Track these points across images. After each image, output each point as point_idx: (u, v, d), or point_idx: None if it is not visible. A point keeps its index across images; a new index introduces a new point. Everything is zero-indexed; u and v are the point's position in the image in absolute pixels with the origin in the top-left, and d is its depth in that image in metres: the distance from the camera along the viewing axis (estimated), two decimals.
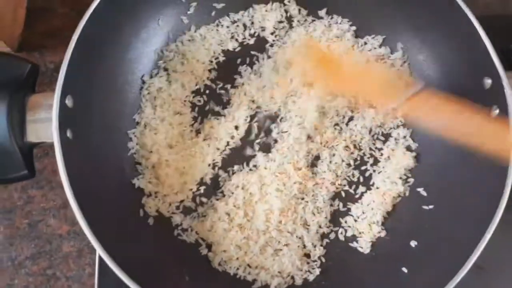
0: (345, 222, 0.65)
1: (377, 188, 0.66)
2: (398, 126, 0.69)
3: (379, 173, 0.67)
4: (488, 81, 0.60)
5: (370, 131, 0.68)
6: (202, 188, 0.66)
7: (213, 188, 0.66)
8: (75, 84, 0.56)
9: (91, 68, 0.60)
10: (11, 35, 0.73)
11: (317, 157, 0.67)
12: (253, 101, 0.69)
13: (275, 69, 0.68)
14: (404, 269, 0.60)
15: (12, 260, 0.69)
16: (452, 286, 0.51)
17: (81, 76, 0.57)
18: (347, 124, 0.68)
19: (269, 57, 0.70)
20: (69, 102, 0.55)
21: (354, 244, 0.64)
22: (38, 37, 0.77)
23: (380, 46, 0.71)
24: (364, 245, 0.64)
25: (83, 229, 0.52)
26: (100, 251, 0.51)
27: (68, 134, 0.55)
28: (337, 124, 0.68)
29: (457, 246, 0.55)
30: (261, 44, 0.72)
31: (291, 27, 0.72)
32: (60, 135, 0.53)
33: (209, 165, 0.66)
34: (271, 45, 0.71)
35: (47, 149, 0.72)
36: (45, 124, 0.54)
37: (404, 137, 0.68)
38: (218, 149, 0.66)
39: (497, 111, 0.59)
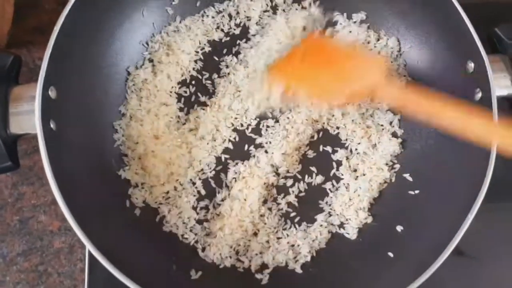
0: (333, 209, 0.65)
1: (364, 174, 0.66)
2: (386, 112, 0.69)
3: (364, 160, 0.67)
4: (471, 65, 0.61)
5: (354, 118, 0.68)
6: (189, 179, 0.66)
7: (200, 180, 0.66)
8: (58, 75, 0.56)
9: (74, 59, 0.59)
10: (0, 32, 0.73)
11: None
12: (239, 91, 0.68)
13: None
14: (390, 254, 0.60)
15: (4, 256, 0.69)
16: (434, 269, 0.51)
17: (64, 67, 0.57)
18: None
19: (251, 47, 0.70)
20: (52, 93, 0.55)
21: (341, 231, 0.64)
22: (26, 34, 0.77)
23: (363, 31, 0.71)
24: (351, 232, 0.64)
25: (68, 220, 0.52)
26: (86, 244, 0.51)
27: (52, 125, 0.55)
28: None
29: (440, 230, 0.55)
30: (246, 33, 0.72)
31: (275, 15, 0.72)
32: (43, 126, 0.53)
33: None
34: (254, 35, 0.71)
35: (37, 146, 0.71)
36: (28, 116, 0.54)
37: (391, 123, 0.68)
38: (203, 139, 0.66)
39: (480, 94, 0.59)
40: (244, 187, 0.64)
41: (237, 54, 0.71)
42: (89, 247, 0.51)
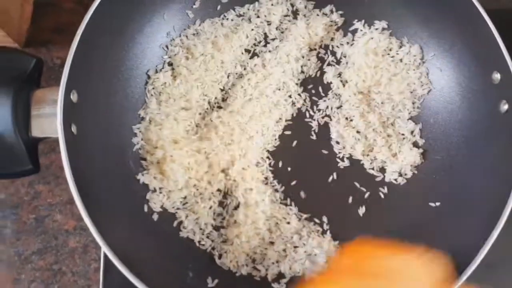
0: None
1: None
2: (407, 120, 0.68)
3: (385, 168, 0.66)
4: (497, 76, 0.60)
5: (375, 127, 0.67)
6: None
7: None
8: (80, 79, 0.56)
9: (95, 63, 0.59)
10: (18, 30, 0.73)
11: None
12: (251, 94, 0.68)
13: None
14: None
15: (19, 254, 0.69)
16: None
17: (85, 71, 0.57)
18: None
19: (270, 51, 0.70)
20: (73, 97, 0.55)
21: None
22: (45, 33, 0.77)
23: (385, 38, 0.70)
24: None
25: (87, 223, 0.52)
26: (103, 247, 0.51)
27: (73, 129, 0.55)
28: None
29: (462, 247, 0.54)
30: (266, 37, 0.71)
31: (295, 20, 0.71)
32: (65, 130, 0.53)
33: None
34: (273, 39, 0.71)
35: (54, 145, 0.72)
36: (50, 119, 0.54)
37: (412, 132, 0.68)
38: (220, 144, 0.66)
39: (506, 106, 0.58)
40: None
41: (254, 56, 0.70)
42: (104, 248, 0.51)
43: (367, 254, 0.52)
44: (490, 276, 0.60)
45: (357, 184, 0.66)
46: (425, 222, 0.62)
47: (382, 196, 0.65)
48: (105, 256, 0.63)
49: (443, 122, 0.67)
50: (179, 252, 0.61)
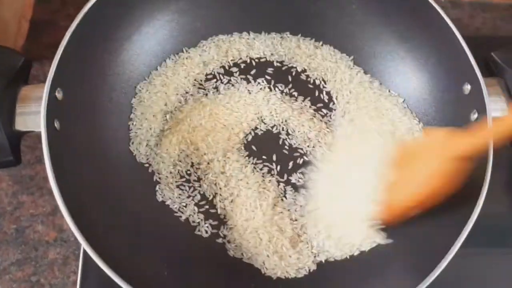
0: None
1: None
2: None
3: None
4: (467, 87, 0.63)
5: None
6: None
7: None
8: (66, 78, 0.58)
9: (83, 66, 0.62)
10: (14, 46, 0.76)
11: None
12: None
13: None
14: None
15: None
16: None
17: (72, 72, 0.59)
18: None
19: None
20: (59, 94, 0.57)
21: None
22: (40, 49, 0.80)
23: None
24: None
25: (66, 219, 0.52)
26: (81, 240, 0.51)
27: (56, 124, 0.56)
28: None
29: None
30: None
31: None
32: (47, 125, 0.54)
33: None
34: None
35: (39, 156, 0.73)
36: (34, 116, 0.56)
37: None
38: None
39: (476, 115, 0.61)
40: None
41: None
42: (83, 244, 0.51)
43: None
44: None
45: None
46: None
47: None
48: (83, 265, 0.64)
49: None
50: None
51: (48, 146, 0.54)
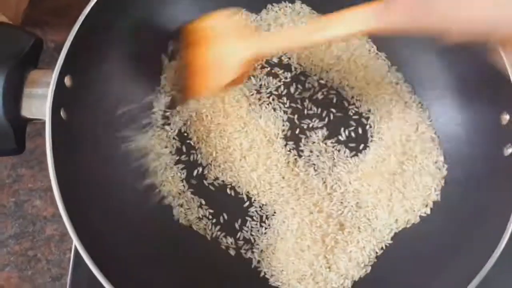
0: None
1: None
2: None
3: None
4: (506, 117, 0.57)
5: None
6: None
7: None
8: (76, 64, 0.54)
9: (95, 52, 0.58)
10: (16, 10, 0.72)
11: None
12: None
13: None
14: None
15: None
16: None
17: (83, 58, 0.55)
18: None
19: None
20: (67, 82, 0.54)
21: None
22: (42, 14, 0.76)
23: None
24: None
25: (60, 210, 0.50)
26: (72, 235, 0.50)
27: (62, 114, 0.54)
28: None
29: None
30: None
31: None
32: (53, 113, 0.52)
33: None
34: None
35: (40, 129, 0.70)
36: (41, 102, 0.53)
37: None
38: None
39: (510, 149, 0.57)
40: None
41: None
42: (75, 241, 0.50)
43: None
44: None
45: None
46: None
47: None
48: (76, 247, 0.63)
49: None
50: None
51: (51, 136, 0.51)
